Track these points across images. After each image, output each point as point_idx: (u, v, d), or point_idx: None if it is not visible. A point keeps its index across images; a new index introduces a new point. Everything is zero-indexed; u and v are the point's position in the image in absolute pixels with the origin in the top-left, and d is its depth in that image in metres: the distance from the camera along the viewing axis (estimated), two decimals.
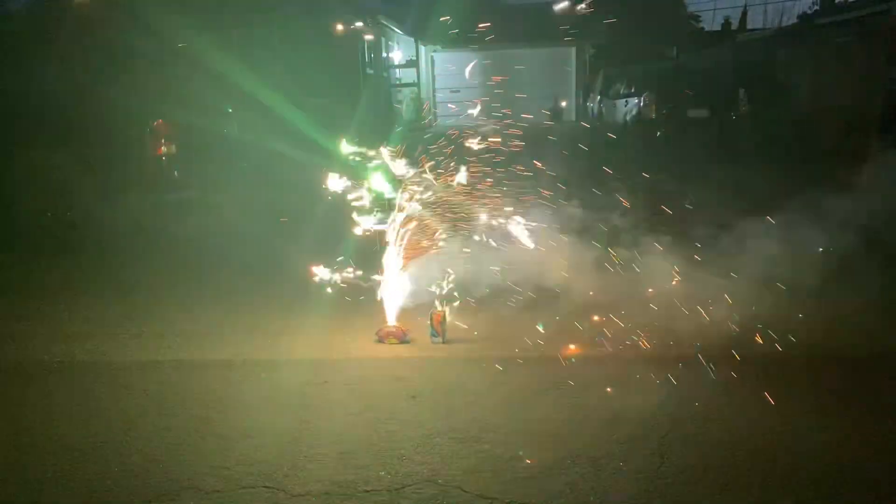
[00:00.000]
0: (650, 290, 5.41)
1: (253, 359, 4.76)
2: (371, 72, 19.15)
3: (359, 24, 16.99)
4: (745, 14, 29.55)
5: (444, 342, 4.91)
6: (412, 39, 22.64)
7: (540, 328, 4.93)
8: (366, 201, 5.18)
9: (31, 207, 9.01)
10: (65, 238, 8.05)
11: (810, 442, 3.49)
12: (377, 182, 5.17)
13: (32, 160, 10.15)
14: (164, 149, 11.04)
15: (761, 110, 15.27)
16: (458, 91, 23.53)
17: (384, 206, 5.20)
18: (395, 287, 5.20)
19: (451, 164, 5.14)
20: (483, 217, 5.29)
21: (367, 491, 3.19)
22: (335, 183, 5.19)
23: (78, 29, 13.09)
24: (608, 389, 4.06)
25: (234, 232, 7.59)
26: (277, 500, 3.15)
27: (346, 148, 5.19)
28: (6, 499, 3.28)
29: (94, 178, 9.64)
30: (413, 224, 5.19)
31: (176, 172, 10.76)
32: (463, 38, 19.82)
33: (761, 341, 4.64)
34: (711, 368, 4.23)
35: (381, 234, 5.19)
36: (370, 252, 5.35)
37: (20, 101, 11.59)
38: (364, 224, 5.19)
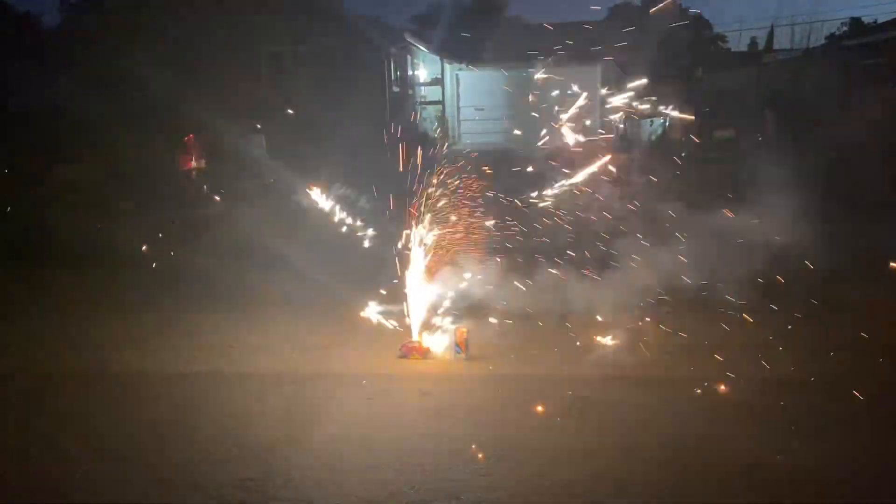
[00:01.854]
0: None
1: (279, 372, 4.83)
2: (397, 90, 19.35)
3: (385, 42, 17.23)
4: (771, 35, 29.36)
5: (467, 358, 4.94)
6: (437, 58, 22.83)
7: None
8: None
9: (63, 222, 9.18)
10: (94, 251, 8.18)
11: None
12: None
13: (64, 175, 10.40)
14: (193, 163, 11.23)
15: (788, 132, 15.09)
16: (483, 109, 23.63)
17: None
18: (418, 304, 5.25)
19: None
20: None
21: None
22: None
23: (111, 46, 13.44)
24: (631, 410, 4.07)
25: (260, 247, 7.67)
26: None
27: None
28: (38, 500, 3.38)
29: (124, 192, 9.83)
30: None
31: (205, 187, 10.91)
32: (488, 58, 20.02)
33: None
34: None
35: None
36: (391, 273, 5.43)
37: (51, 117, 11.90)
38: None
